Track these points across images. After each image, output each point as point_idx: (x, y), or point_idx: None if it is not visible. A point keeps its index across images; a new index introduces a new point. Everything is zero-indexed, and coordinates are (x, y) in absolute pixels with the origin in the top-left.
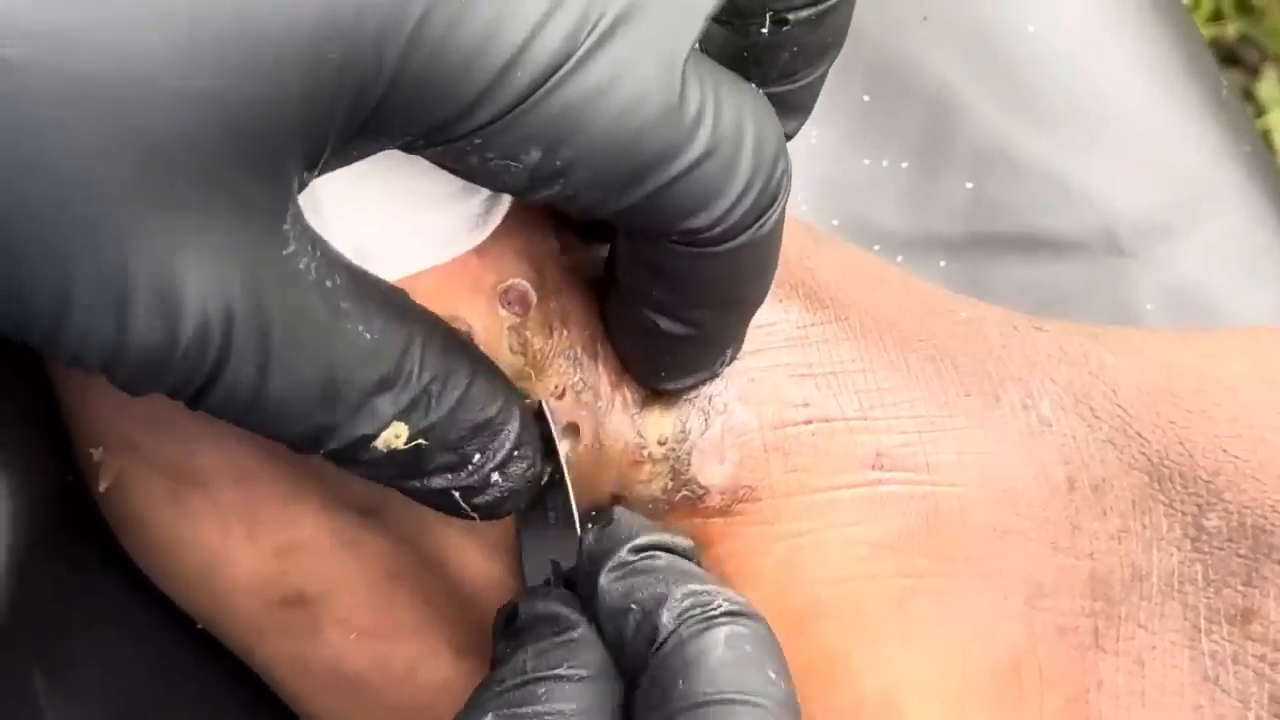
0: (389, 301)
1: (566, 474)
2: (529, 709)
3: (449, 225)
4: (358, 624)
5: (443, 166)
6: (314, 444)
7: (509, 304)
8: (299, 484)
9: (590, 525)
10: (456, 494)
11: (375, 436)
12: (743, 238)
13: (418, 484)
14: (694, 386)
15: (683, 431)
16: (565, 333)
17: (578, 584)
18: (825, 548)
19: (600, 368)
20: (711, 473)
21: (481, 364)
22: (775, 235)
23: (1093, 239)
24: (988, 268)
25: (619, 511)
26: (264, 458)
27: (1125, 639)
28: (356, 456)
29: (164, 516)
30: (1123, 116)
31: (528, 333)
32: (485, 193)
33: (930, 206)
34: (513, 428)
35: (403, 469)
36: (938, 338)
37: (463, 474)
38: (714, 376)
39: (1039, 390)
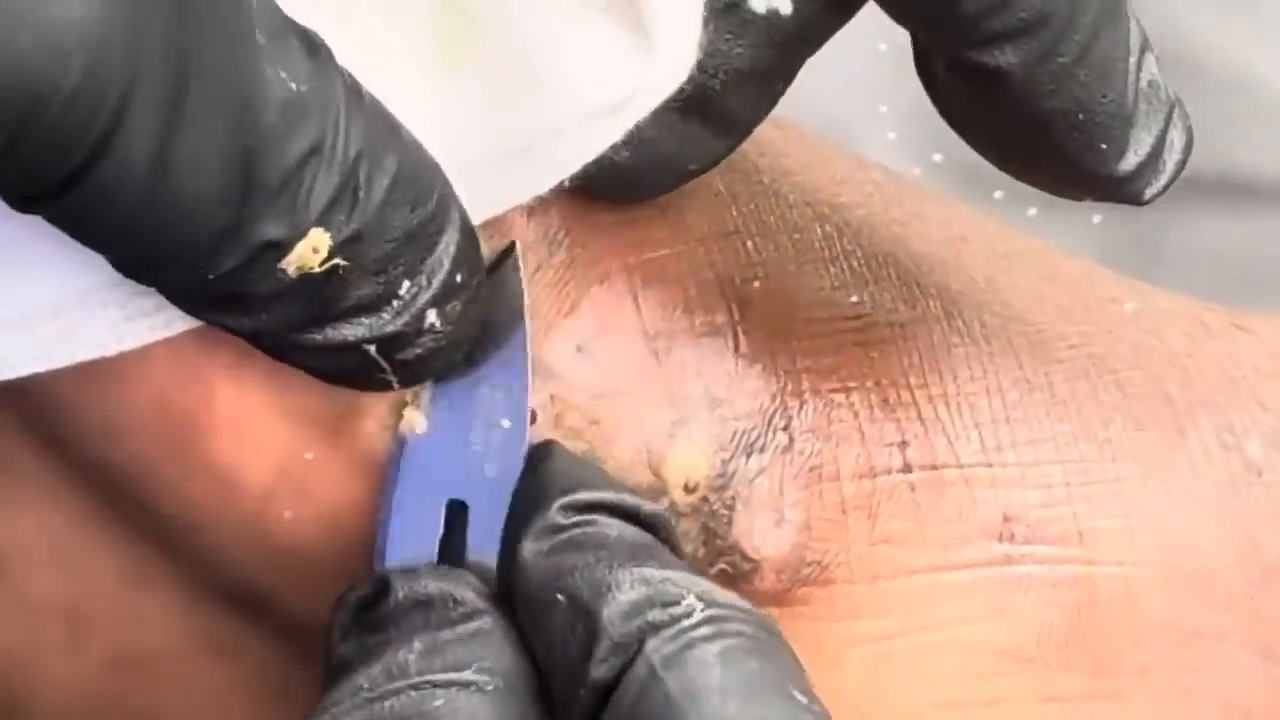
0: (308, 40)
1: (529, 336)
2: None
3: None
4: None
5: None
6: (203, 262)
7: None
8: (146, 564)
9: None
10: (373, 349)
11: (287, 249)
12: None
13: (319, 337)
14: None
15: (722, 474)
16: None
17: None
18: (927, 657)
19: (591, 370)
20: (764, 539)
21: (409, 139)
22: None
23: None
24: (1164, 226)
25: (558, 450)
26: (91, 525)
27: None
28: (249, 287)
29: None
30: None
31: None
32: None
33: None
34: (450, 237)
35: (309, 309)
36: (1094, 343)
37: (385, 314)
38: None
39: (1244, 421)
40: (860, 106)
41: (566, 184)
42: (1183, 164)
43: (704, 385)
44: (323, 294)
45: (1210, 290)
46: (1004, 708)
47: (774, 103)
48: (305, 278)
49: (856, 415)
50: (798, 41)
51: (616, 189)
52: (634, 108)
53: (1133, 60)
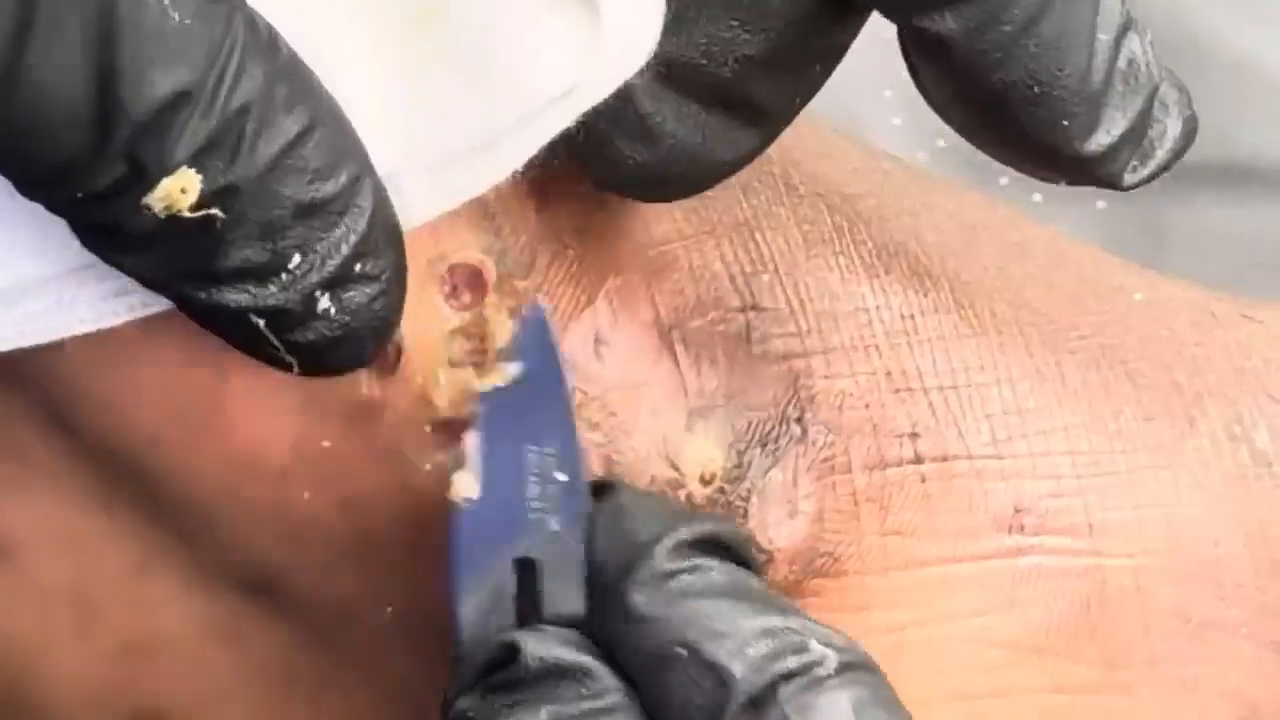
0: None
1: (569, 389)
2: None
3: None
4: None
5: None
6: (66, 180)
7: (456, 292)
8: (155, 549)
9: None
10: (260, 321)
11: (152, 184)
12: None
13: (202, 294)
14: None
15: (738, 466)
16: None
17: (594, 610)
18: (938, 649)
19: (608, 362)
20: (778, 529)
21: (328, 108)
22: None
23: None
24: (1169, 212)
25: (625, 491)
26: (98, 512)
27: None
28: (119, 219)
29: None
30: None
31: (490, 325)
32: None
33: None
34: (357, 222)
35: (183, 257)
36: (1104, 333)
37: (271, 287)
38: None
39: (1252, 412)
40: (865, 92)
41: (521, 171)
42: (1177, 154)
43: (718, 377)
44: (200, 244)
45: (1215, 276)
46: (1014, 699)
47: (810, 92)
48: (176, 220)
49: (868, 406)
50: (807, 28)
51: (647, 189)
52: (587, 92)
53: (1104, 38)
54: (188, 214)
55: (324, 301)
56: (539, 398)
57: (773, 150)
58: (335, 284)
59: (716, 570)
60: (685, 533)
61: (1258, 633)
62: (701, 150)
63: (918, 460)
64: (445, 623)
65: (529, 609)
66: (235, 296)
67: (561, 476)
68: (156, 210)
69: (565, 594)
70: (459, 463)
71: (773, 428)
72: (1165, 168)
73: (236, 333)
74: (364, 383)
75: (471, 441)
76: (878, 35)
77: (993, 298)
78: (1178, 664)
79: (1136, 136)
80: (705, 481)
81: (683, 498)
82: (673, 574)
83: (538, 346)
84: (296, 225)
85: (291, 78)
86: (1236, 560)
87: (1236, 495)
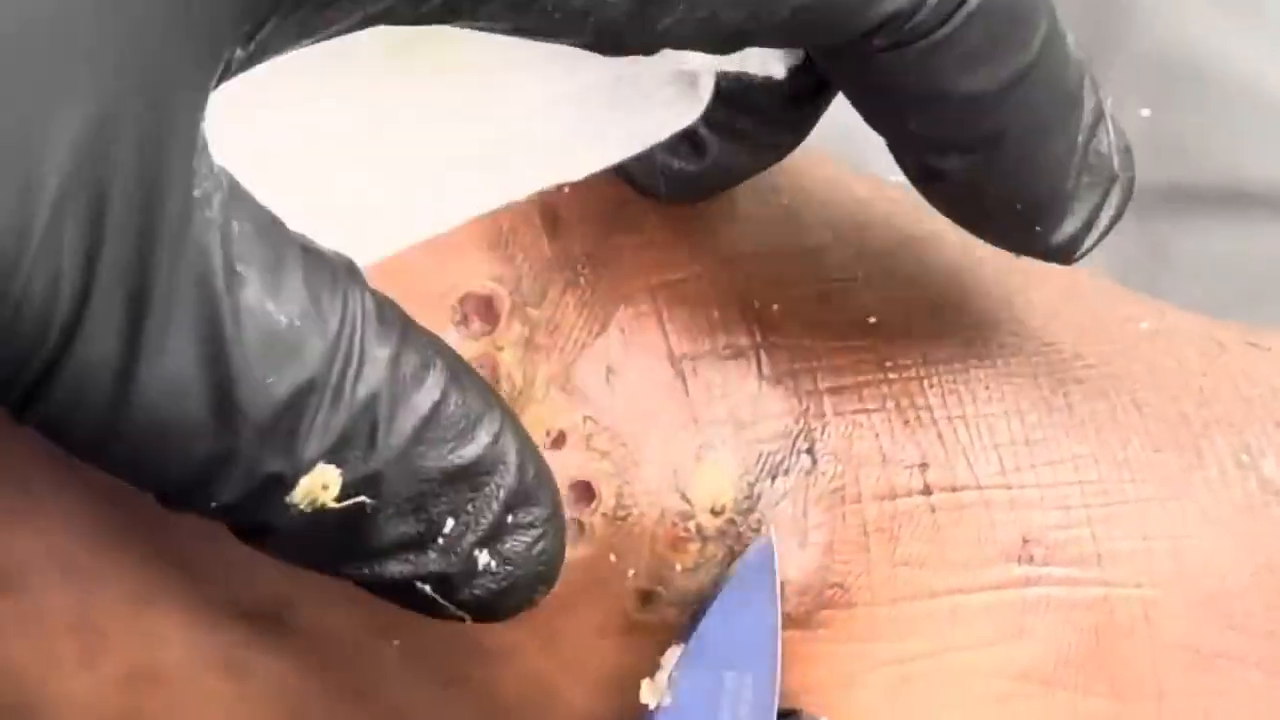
0: (313, 267)
1: (778, 620)
2: None
3: (391, 199)
4: None
5: (477, 26)
6: (199, 492)
7: (467, 321)
8: (160, 580)
9: None
10: (426, 587)
11: (290, 484)
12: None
13: (365, 569)
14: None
15: (749, 497)
16: (559, 349)
17: None
18: (947, 679)
19: (619, 392)
20: (788, 561)
21: (457, 369)
22: None
23: None
24: (1173, 237)
25: (805, 717)
26: (104, 542)
27: None
28: (266, 518)
29: None
30: None
31: (501, 355)
32: (445, 154)
33: None
34: (505, 477)
35: (337, 545)
36: (1111, 363)
37: (431, 554)
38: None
39: (1260, 440)
40: (872, 134)
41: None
42: (1117, 218)
43: (729, 408)
44: (353, 529)
45: (1221, 300)
46: None
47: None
48: (321, 513)
49: (878, 436)
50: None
51: (682, 194)
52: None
53: (1081, 139)
54: (334, 505)
55: (484, 558)
56: (749, 624)
57: (781, 180)
58: (493, 540)
59: None
60: None
61: (1267, 662)
62: (738, 163)
63: (927, 491)
64: (451, 656)
65: None
66: (397, 568)
67: (750, 705)
68: (302, 507)
69: None
70: (656, 668)
71: (783, 458)
72: (1107, 234)
73: (405, 598)
74: None
75: (673, 653)
76: None
77: (1000, 328)
78: (1188, 695)
79: (1090, 220)
80: (716, 513)
81: (693, 528)
82: None
83: (758, 574)
84: (445, 492)
85: (418, 347)
86: (1245, 590)
87: (1245, 525)
